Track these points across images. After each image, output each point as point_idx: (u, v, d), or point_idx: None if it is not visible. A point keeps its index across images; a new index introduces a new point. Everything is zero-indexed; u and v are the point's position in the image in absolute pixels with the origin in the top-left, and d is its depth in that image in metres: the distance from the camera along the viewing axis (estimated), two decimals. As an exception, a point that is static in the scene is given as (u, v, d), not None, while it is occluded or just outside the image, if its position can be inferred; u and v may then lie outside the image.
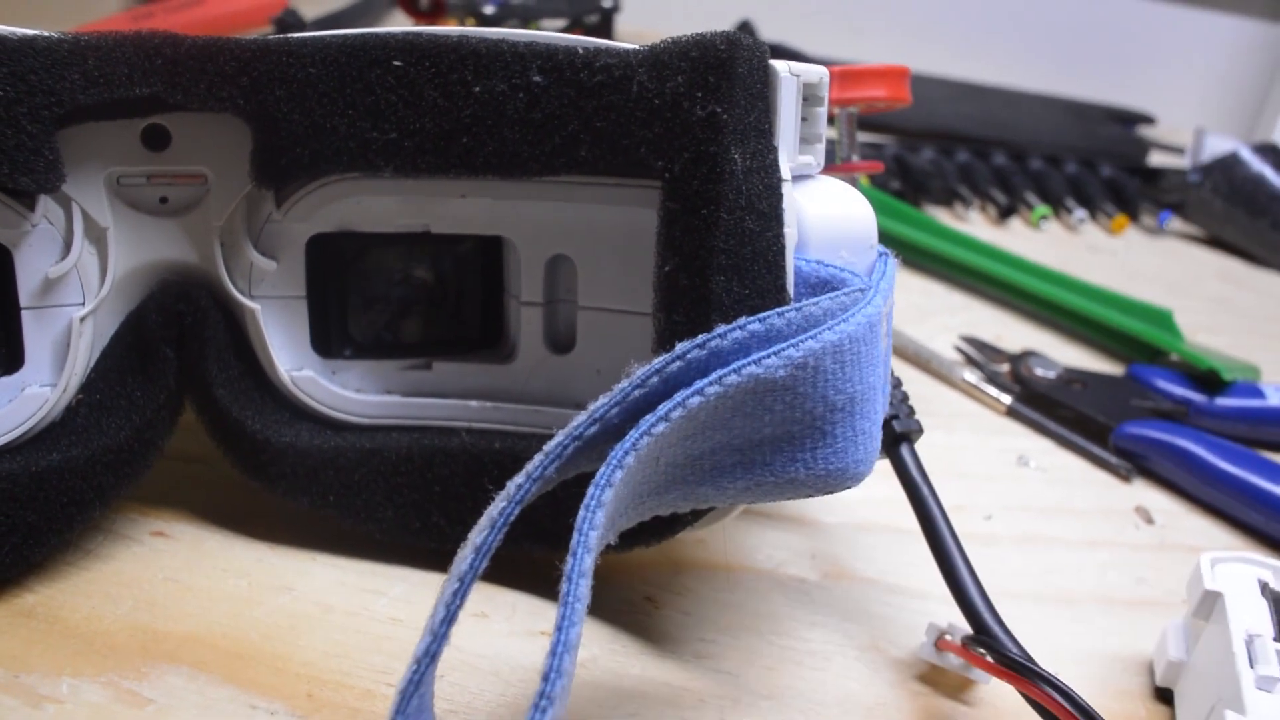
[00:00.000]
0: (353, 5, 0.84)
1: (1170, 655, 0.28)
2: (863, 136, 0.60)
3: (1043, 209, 0.68)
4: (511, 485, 0.20)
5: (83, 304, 0.27)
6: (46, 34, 0.24)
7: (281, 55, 0.25)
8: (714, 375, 0.20)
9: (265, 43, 0.25)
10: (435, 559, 0.28)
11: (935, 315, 0.52)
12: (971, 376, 0.44)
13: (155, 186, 0.27)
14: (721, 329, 0.21)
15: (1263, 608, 0.26)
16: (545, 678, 0.17)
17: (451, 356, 0.30)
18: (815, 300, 0.22)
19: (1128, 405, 0.42)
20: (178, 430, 0.28)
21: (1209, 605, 0.27)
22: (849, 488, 0.23)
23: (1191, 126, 0.86)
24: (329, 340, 0.29)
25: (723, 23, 0.92)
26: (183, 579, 0.27)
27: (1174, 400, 0.43)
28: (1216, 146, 0.75)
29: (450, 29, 0.25)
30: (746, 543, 0.32)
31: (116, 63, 0.25)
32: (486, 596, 0.28)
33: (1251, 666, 0.24)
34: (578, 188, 0.27)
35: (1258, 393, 0.43)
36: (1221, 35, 1.12)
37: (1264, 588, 0.27)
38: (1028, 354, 0.46)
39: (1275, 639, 0.25)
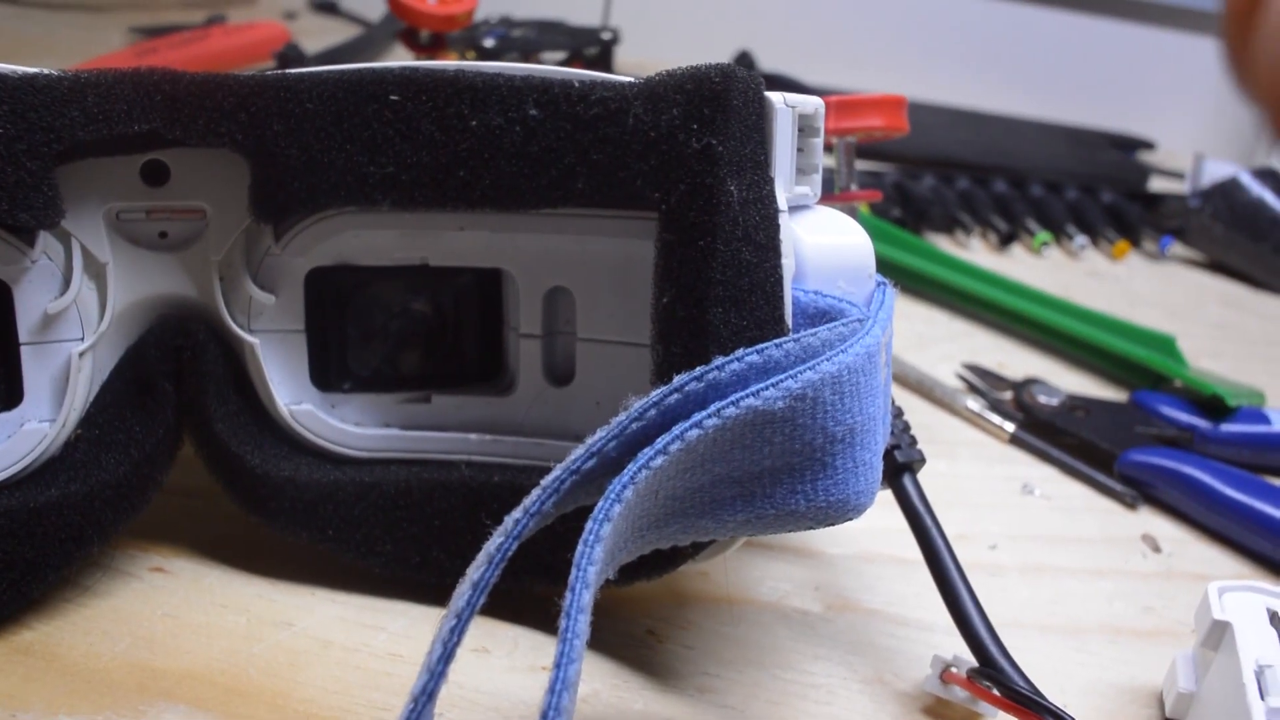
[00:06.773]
0: (354, 40, 0.84)
1: (1180, 686, 0.27)
2: (863, 165, 0.60)
3: (1044, 235, 0.68)
4: (509, 521, 0.19)
5: (82, 339, 0.27)
6: (47, 72, 0.24)
7: (279, 90, 0.25)
8: (712, 408, 0.20)
9: (263, 78, 0.25)
10: (435, 593, 0.28)
11: (937, 343, 0.52)
12: (974, 404, 0.44)
13: (154, 221, 0.27)
14: (719, 361, 0.21)
15: (1272, 637, 0.25)
16: (544, 716, 0.17)
17: (450, 389, 0.30)
18: (813, 331, 0.22)
19: (1132, 432, 0.42)
20: (177, 465, 0.28)
21: (1218, 635, 0.26)
22: (851, 519, 0.23)
23: (1191, 152, 0.86)
24: (328, 374, 0.29)
25: (722, 53, 0.93)
26: (181, 615, 0.27)
27: (1178, 427, 0.43)
28: (1216, 171, 0.75)
29: (447, 63, 0.25)
30: (749, 575, 0.32)
31: (115, 99, 0.25)
32: (487, 631, 0.28)
33: (1263, 698, 0.24)
34: (575, 220, 0.27)
35: (1263, 418, 0.43)
36: (1220, 61, 1.12)
37: (1273, 617, 0.26)
38: (1030, 381, 0.45)
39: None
